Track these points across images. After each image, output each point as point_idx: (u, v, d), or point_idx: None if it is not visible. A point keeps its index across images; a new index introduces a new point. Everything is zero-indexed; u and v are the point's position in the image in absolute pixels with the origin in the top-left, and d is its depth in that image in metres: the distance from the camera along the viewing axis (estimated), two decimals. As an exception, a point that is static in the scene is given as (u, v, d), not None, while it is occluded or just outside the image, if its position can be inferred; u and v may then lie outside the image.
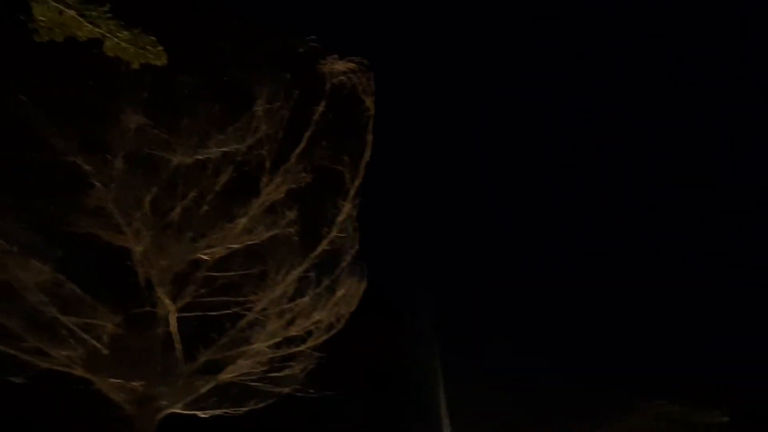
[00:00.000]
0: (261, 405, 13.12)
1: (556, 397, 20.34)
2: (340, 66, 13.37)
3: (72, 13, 7.78)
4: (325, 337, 13.40)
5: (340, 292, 13.13)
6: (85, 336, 12.19)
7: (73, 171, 11.81)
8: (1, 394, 11.65)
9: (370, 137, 13.80)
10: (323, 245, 13.25)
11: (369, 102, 13.66)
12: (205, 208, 12.23)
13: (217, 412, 12.83)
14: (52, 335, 11.76)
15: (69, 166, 11.73)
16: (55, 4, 7.73)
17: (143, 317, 12.71)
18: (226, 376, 12.87)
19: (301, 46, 12.72)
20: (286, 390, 13.27)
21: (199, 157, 12.03)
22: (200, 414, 12.77)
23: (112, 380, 12.27)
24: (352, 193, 13.71)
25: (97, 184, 11.83)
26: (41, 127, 11.38)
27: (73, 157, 11.67)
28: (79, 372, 11.99)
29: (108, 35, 7.99)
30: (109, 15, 7.90)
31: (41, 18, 7.67)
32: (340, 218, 13.50)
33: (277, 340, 13.03)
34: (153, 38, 8.05)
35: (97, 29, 7.91)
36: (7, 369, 11.44)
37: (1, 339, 11.25)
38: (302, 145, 13.09)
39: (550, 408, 20.10)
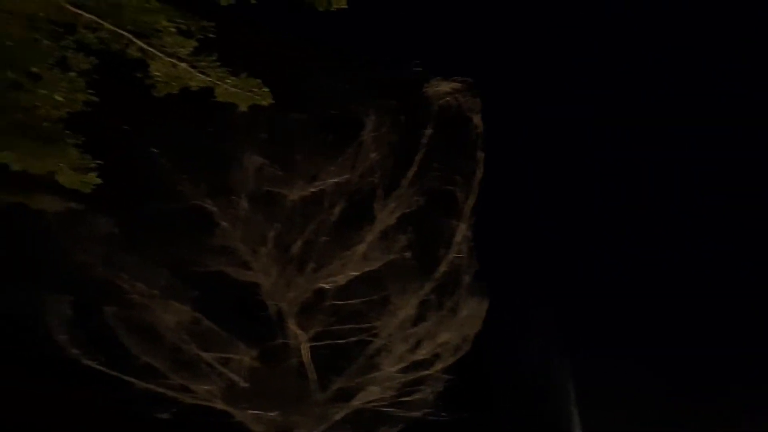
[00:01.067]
0: (394, 430, 13.22)
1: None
2: (445, 86, 13.49)
3: (184, 65, 8.32)
4: (452, 360, 13.38)
5: (463, 313, 13.11)
6: (224, 370, 12.80)
7: (201, 214, 12.57)
8: (151, 431, 12.42)
9: (481, 155, 13.79)
10: (443, 267, 13.30)
11: (477, 120, 13.68)
12: (323, 238, 12.62)
13: (351, 437, 13.06)
14: (194, 371, 12.44)
15: (197, 209, 12.49)
16: (168, 59, 8.30)
17: (276, 349, 13.19)
18: (358, 402, 13.09)
19: (403, 72, 12.97)
20: (418, 414, 13.31)
21: (314, 190, 12.46)
22: (337, 441, 13.04)
23: (251, 412, 12.75)
24: (467, 212, 13.71)
25: (224, 224, 12.51)
26: (171, 175, 12.20)
27: (200, 201, 12.41)
28: (219, 405, 12.59)
29: (218, 82, 8.48)
30: (218, 63, 8.38)
31: (157, 73, 8.26)
32: (457, 239, 13.53)
33: (405, 364, 13.12)
34: (258, 81, 8.46)
35: (207, 78, 8.41)
36: (154, 406, 12.20)
37: (148, 377, 12.03)
38: (413, 169, 13.27)
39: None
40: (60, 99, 8.45)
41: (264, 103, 8.56)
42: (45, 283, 11.76)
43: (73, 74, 8.42)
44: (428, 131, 13.37)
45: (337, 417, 13.05)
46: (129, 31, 8.21)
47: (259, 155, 12.12)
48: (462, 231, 13.58)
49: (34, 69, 8.33)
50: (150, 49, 8.24)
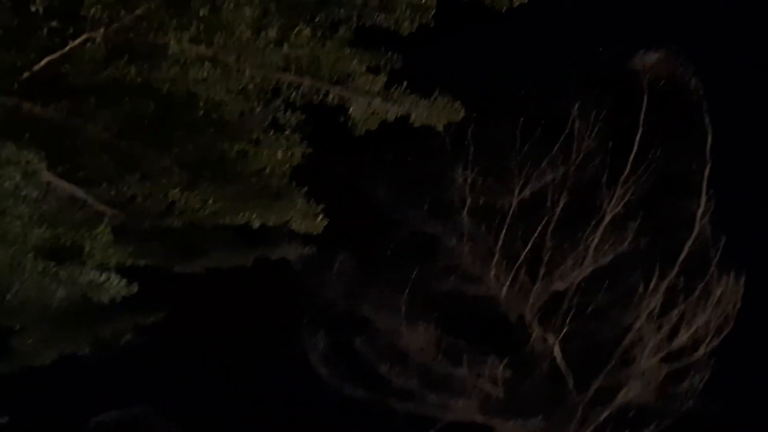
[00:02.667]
0: (663, 425, 12.49)
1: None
2: (652, 58, 12.70)
3: (378, 100, 8.72)
4: (715, 343, 12.38)
5: (717, 292, 12.10)
6: (478, 383, 13.00)
7: (426, 237, 13.00)
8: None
9: (707, 119, 12.74)
10: (687, 247, 12.43)
11: (694, 83, 12.68)
12: (551, 239, 12.40)
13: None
14: (449, 388, 12.79)
15: (422, 234, 12.95)
16: (363, 98, 8.75)
17: (526, 356, 13.14)
18: (621, 400, 12.57)
19: (602, 54, 12.44)
20: (687, 405, 12.46)
21: (532, 192, 12.33)
22: (603, 443, 12.62)
23: (512, 422, 12.79)
24: (704, 183, 12.71)
25: (450, 243, 12.83)
26: (391, 206, 12.80)
27: (423, 225, 12.85)
28: (479, 419, 12.79)
29: (412, 109, 8.77)
30: (408, 91, 8.67)
31: (356, 114, 8.74)
32: (697, 213, 12.57)
33: (664, 354, 12.39)
34: (448, 99, 8.62)
35: (401, 107, 8.74)
36: (417, 427, 12.73)
37: (405, 400, 12.61)
38: (635, 149, 12.61)
39: None
40: (281, 156, 9.23)
41: (457, 118, 8.70)
42: (300, 325, 12.90)
43: (287, 132, 9.19)
44: (643, 107, 12.65)
45: (601, 417, 12.61)
46: (326, 82, 8.79)
47: (469, 169, 12.28)
48: (702, 204, 12.61)
49: (255, 135, 9.22)
50: (346, 93, 8.74)
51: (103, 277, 9.04)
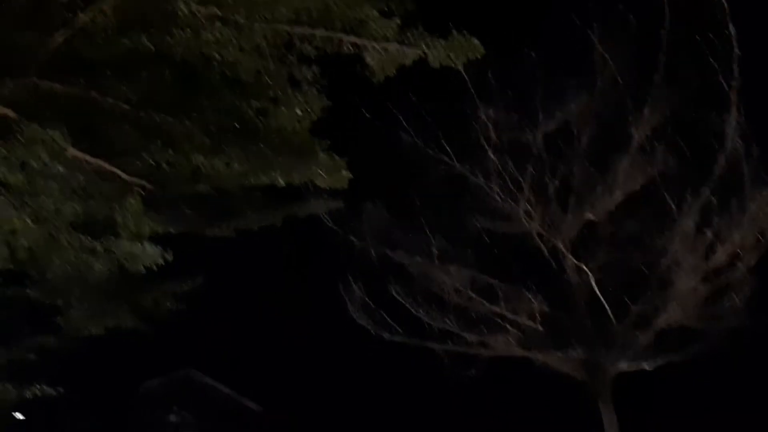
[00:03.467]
0: (705, 346, 12.45)
1: None
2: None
3: (394, 45, 8.58)
4: (754, 259, 12.23)
5: (752, 207, 11.89)
6: (516, 318, 13.07)
7: (455, 178, 12.95)
8: (457, 389, 13.15)
9: (733, 32, 12.31)
10: (719, 164, 12.18)
11: (717, -3, 12.21)
12: (580, 169, 12.27)
13: (661, 362, 12.56)
14: (487, 326, 12.88)
15: (450, 175, 12.90)
16: (378, 45, 8.61)
17: (563, 289, 13.14)
18: (660, 324, 12.55)
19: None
20: (730, 323, 12.38)
21: (557, 125, 12.16)
22: (646, 367, 12.65)
23: (553, 354, 12.87)
24: (734, 97, 12.35)
25: (479, 181, 12.76)
26: (417, 150, 12.73)
27: (451, 166, 12.78)
28: (520, 353, 12.90)
29: (429, 51, 8.61)
30: (424, 33, 8.51)
31: (372, 62, 8.61)
32: (728, 129, 12.27)
33: (702, 275, 12.29)
34: (465, 35, 8.43)
35: (418, 51, 8.59)
36: (459, 366, 12.90)
37: (444, 341, 12.75)
38: (660, 68, 12.28)
39: None
40: (300, 113, 9.17)
41: (477, 55, 8.53)
42: (336, 278, 13.04)
43: (304, 87, 9.10)
44: (666, 25, 12.27)
45: (643, 343, 12.62)
46: (339, 31, 8.65)
47: (492, 107, 12.12)
48: (734, 119, 12.29)
49: (272, 93, 9.15)
50: (360, 41, 8.61)
51: (138, 246, 9.16)
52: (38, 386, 13.01)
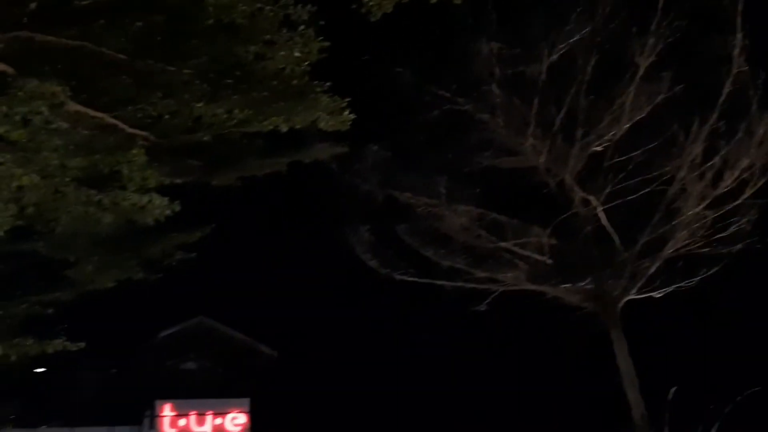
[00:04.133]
0: (713, 270, 12.52)
1: None
2: None
3: (392, -21, 8.37)
4: (762, 183, 12.19)
5: (759, 131, 11.78)
6: (525, 253, 13.13)
7: (462, 116, 12.83)
8: (469, 323, 13.32)
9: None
10: (725, 89, 12.02)
11: None
12: (585, 101, 12.14)
13: (670, 288, 12.66)
14: (496, 262, 12.96)
15: (453, 113, 12.78)
16: (375, -19, 8.40)
17: (570, 221, 13.15)
18: (668, 252, 12.60)
19: None
20: (738, 246, 12.41)
21: (559, 56, 11.96)
22: (654, 295, 12.76)
23: (563, 286, 12.97)
24: (738, 19, 12.11)
25: (483, 117, 12.65)
26: (417, 86, 12.59)
27: (453, 103, 12.65)
28: (529, 287, 13.00)
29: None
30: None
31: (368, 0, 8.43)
32: (734, 52, 12.05)
33: (709, 200, 12.28)
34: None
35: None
36: (467, 301, 13.04)
37: (455, 278, 12.85)
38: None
39: None
40: (298, 54, 9.05)
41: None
42: (345, 218, 13.08)
43: (301, 28, 8.95)
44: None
45: (651, 271, 12.69)
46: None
47: (493, 40, 11.92)
48: (738, 42, 12.07)
49: (268, 36, 9.01)
50: (354, -23, 8.41)
51: (145, 198, 9.18)
52: (58, 341, 13.25)
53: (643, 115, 12.19)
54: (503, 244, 13.06)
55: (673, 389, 11.59)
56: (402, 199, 12.90)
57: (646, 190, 12.62)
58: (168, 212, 9.50)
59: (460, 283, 12.89)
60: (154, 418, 40.47)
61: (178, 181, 10.42)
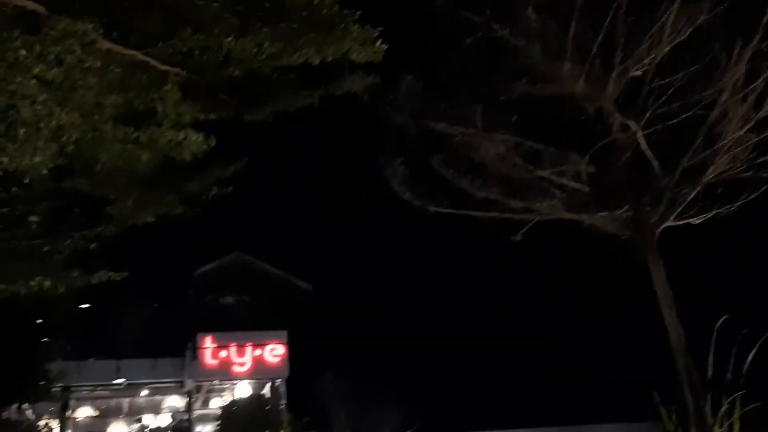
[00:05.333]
0: (754, 195, 12.30)
1: None
2: None
3: None
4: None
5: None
6: (562, 181, 13.01)
7: (493, 42, 12.56)
8: (505, 253, 13.33)
9: None
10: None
11: None
12: (623, 23, 11.78)
13: (710, 215, 12.49)
14: (532, 191, 12.86)
15: (488, 40, 12.52)
16: None
17: (609, 148, 12.95)
18: (708, 177, 12.38)
19: None
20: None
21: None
22: (693, 221, 12.61)
23: (600, 214, 12.86)
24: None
25: (519, 43, 12.37)
26: (450, 12, 12.31)
27: (487, 30, 12.38)
28: (566, 216, 12.92)
29: None
30: None
31: None
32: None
33: (752, 123, 11.97)
34: None
35: None
36: (504, 232, 13.03)
37: (490, 208, 12.81)
38: None
39: None
40: (328, -19, 8.88)
41: None
42: (378, 151, 13.05)
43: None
44: None
45: (690, 197, 12.50)
46: None
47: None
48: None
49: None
50: None
51: (181, 134, 9.27)
52: (102, 272, 13.83)
53: (683, 38, 11.81)
54: (540, 173, 12.94)
55: (723, 318, 11.46)
56: (437, 130, 12.79)
57: (687, 115, 12.33)
58: (204, 147, 9.60)
59: (495, 214, 12.85)
60: (195, 350, 41.80)
61: (213, 117, 10.47)
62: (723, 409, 10.13)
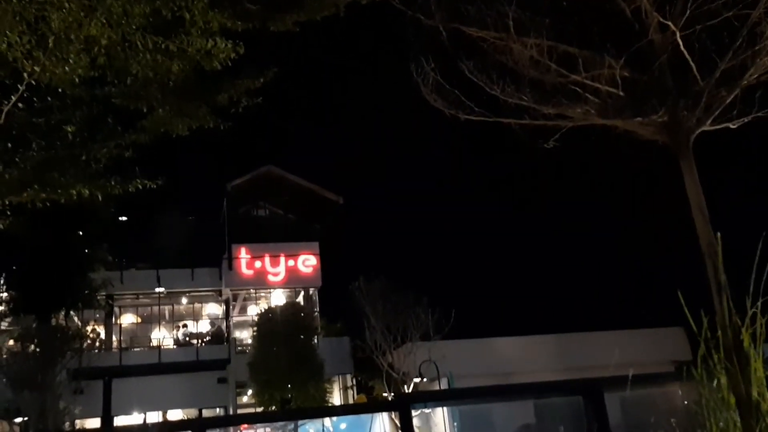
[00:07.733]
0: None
1: None
2: None
3: None
4: None
5: None
6: (596, 85, 12.72)
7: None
8: (537, 158, 13.25)
9: None
10: None
11: None
12: None
13: (748, 118, 12.19)
14: (565, 97, 12.62)
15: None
16: None
17: (645, 50, 12.58)
18: (748, 79, 12.02)
19: None
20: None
21: None
22: (731, 125, 12.33)
23: (634, 120, 12.63)
24: None
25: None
26: None
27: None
28: (599, 121, 12.71)
29: None
30: None
31: None
32: None
33: (795, 24, 11.49)
34: None
35: None
36: (537, 139, 12.89)
37: (522, 115, 12.63)
38: None
39: None
40: None
41: None
42: (408, 57, 12.83)
43: None
44: None
45: (728, 100, 12.18)
46: None
47: None
48: None
49: None
50: None
51: (210, 42, 9.25)
52: (139, 180, 14.14)
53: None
54: (574, 77, 12.65)
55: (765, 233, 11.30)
56: (468, 34, 12.51)
57: (728, 14, 11.86)
58: (233, 55, 9.58)
59: (527, 121, 12.69)
60: (231, 260, 42.89)
61: (240, 25, 10.38)
62: (749, 312, 10.17)
